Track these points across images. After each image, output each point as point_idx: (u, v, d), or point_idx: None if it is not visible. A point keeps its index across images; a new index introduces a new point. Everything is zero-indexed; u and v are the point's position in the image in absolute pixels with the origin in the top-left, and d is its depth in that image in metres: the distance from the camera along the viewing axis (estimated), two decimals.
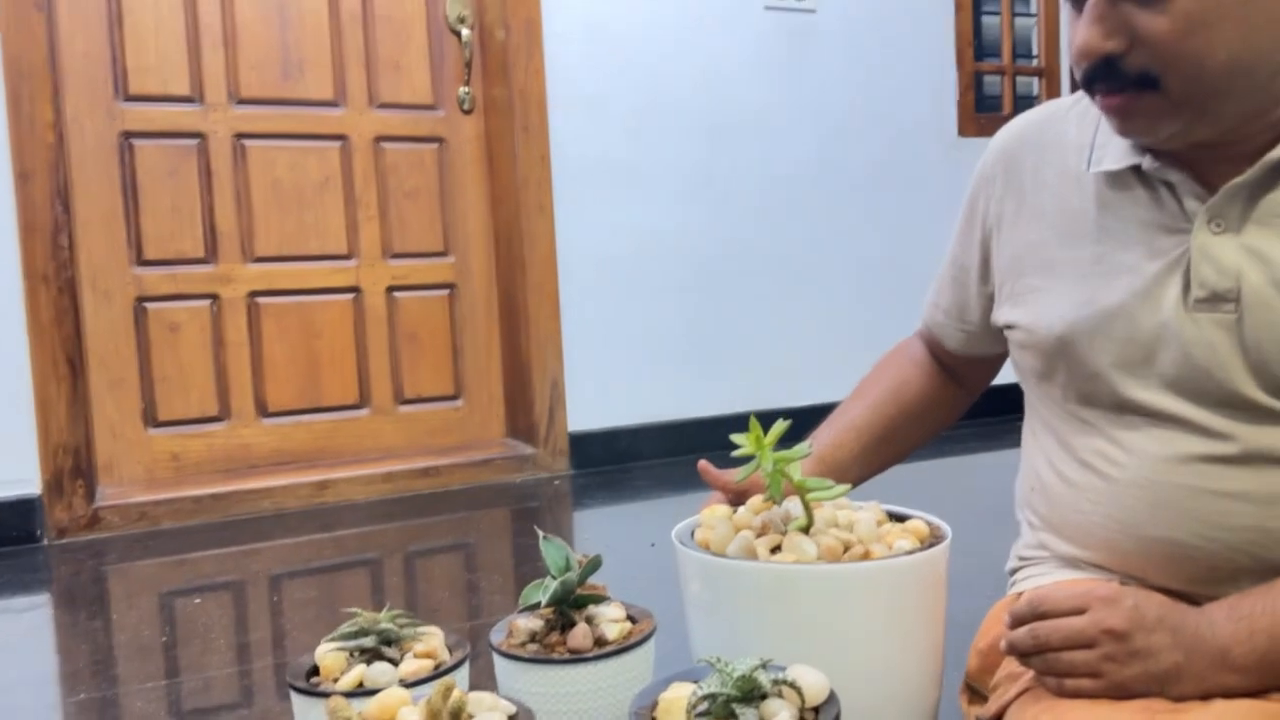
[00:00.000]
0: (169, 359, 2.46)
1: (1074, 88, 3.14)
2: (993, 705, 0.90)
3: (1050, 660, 0.79)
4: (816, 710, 0.80)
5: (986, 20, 3.30)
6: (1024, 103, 3.39)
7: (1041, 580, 0.97)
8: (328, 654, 0.95)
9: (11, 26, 2.13)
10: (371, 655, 0.95)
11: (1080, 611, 0.79)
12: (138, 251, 2.43)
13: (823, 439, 1.13)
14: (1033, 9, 3.39)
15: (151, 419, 2.45)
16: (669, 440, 2.79)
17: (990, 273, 1.03)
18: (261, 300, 2.55)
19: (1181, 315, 0.83)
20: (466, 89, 2.70)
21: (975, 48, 3.22)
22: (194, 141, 2.47)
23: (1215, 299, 0.82)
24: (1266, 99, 0.80)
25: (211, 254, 2.50)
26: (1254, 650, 0.75)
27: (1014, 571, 1.04)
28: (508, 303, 2.74)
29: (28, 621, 1.83)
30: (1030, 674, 0.84)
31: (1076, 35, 0.79)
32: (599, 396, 2.76)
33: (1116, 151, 0.89)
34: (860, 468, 1.13)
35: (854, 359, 3.02)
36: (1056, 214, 0.95)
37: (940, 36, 3.16)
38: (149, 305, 2.44)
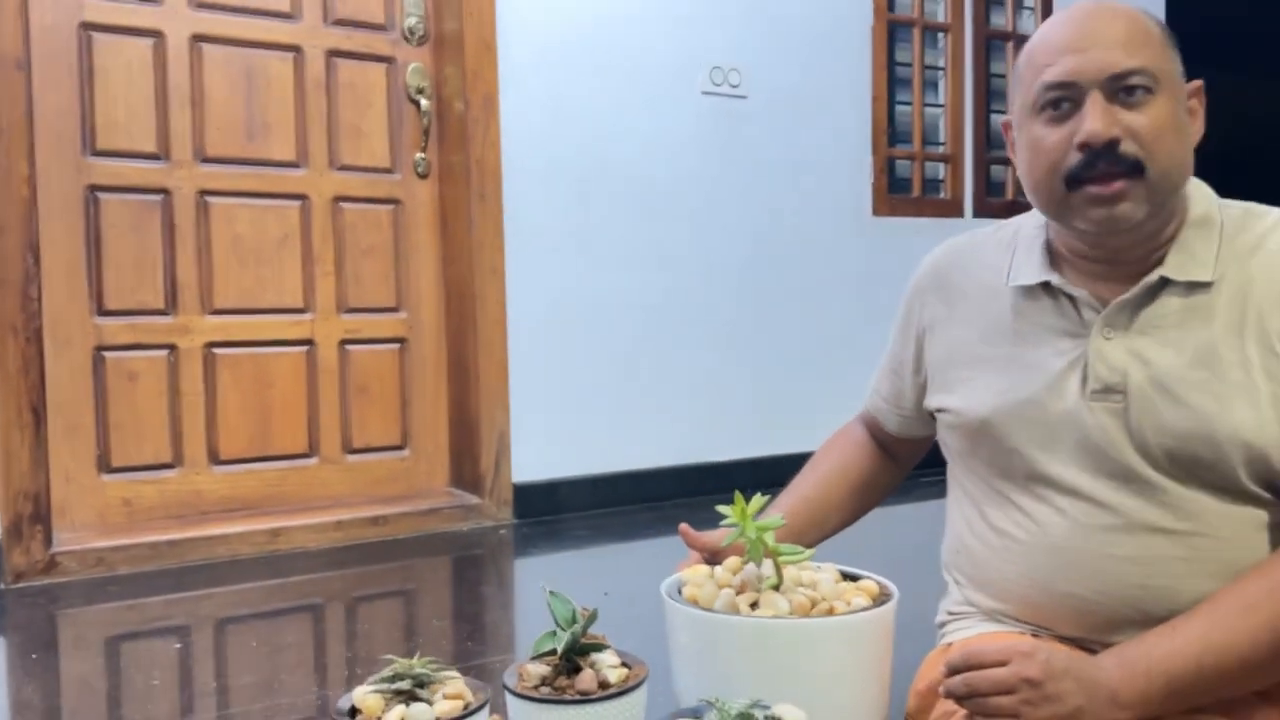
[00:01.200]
0: (125, 407, 2.50)
1: (976, 170, 3.44)
2: None
3: (979, 703, 0.96)
4: None
5: (900, 109, 3.56)
6: (931, 185, 3.66)
7: (969, 633, 1.16)
8: (367, 695, 1.08)
9: None
10: (408, 697, 1.08)
11: (1004, 663, 0.96)
12: (98, 302, 2.47)
13: (783, 507, 1.31)
14: (941, 100, 3.68)
15: (105, 465, 2.48)
16: (607, 492, 2.90)
17: (923, 366, 1.23)
18: (218, 351, 2.62)
19: (1081, 403, 1.03)
20: (423, 155, 2.83)
21: (889, 134, 3.47)
22: (159, 197, 2.54)
23: (1107, 391, 1.02)
24: (1165, 219, 1.02)
25: (171, 306, 2.56)
26: (1135, 689, 0.93)
27: (943, 625, 1.23)
28: (457, 358, 2.86)
29: None
30: (963, 713, 1.02)
31: (1086, 125, 0.97)
32: (542, 449, 2.87)
33: (1030, 270, 1.10)
34: (814, 533, 1.30)
35: (777, 416, 3.24)
36: (980, 319, 1.15)
37: (858, 123, 3.39)
38: (108, 354, 2.48)
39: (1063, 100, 1.00)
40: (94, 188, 2.46)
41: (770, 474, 2.94)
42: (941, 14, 3.64)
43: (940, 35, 3.64)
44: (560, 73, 2.87)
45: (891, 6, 3.47)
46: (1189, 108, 1.03)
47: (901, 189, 3.54)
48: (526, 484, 2.85)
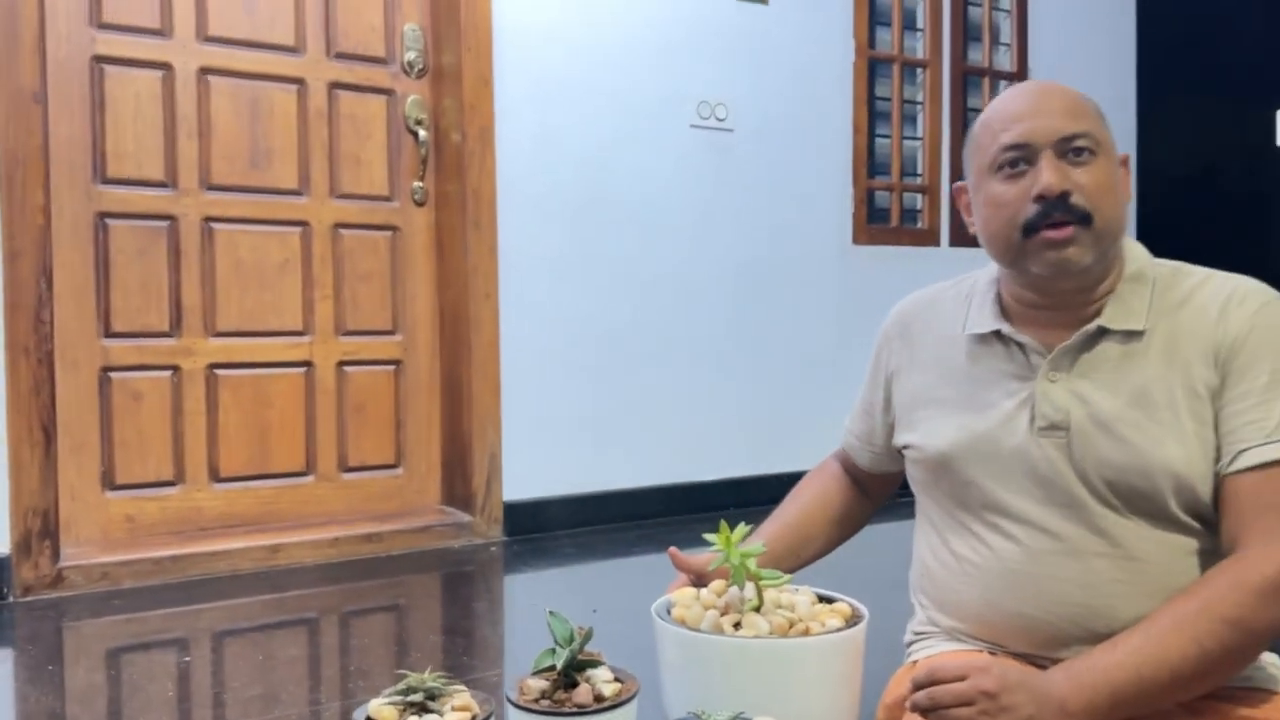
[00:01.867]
0: (130, 425, 2.59)
1: (952, 201, 3.57)
2: None
3: (941, 715, 1.05)
4: None
5: (879, 141, 3.68)
6: (909, 215, 3.79)
7: (932, 651, 1.27)
8: (382, 707, 1.18)
9: (11, 118, 2.27)
10: (419, 710, 1.17)
11: (963, 678, 1.07)
12: (106, 324, 2.56)
13: (766, 534, 1.41)
14: (919, 133, 3.80)
15: (110, 482, 2.56)
16: (595, 510, 2.99)
17: (891, 407, 1.34)
18: (220, 372, 2.70)
19: (1029, 439, 1.14)
20: (420, 183, 2.93)
21: (868, 166, 3.60)
22: (165, 223, 2.63)
23: (1052, 427, 1.13)
24: (1102, 272, 1.14)
25: (175, 328, 2.65)
26: (1082, 700, 1.02)
27: (910, 644, 1.33)
28: (450, 380, 2.96)
29: None
30: None
31: (1042, 178, 1.09)
32: (533, 469, 2.96)
33: (983, 320, 1.22)
34: (793, 560, 1.40)
35: (760, 438, 3.35)
36: (940, 364, 1.26)
37: (839, 155, 3.51)
38: (114, 375, 2.57)
39: (1019, 160, 1.12)
40: (104, 214, 2.55)
41: (753, 494, 3.05)
42: (920, 50, 3.77)
43: (919, 71, 3.77)
44: (554, 106, 2.98)
45: (872, 44, 3.60)
46: (1120, 174, 1.16)
47: (880, 219, 3.67)
48: (517, 502, 2.94)
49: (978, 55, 3.92)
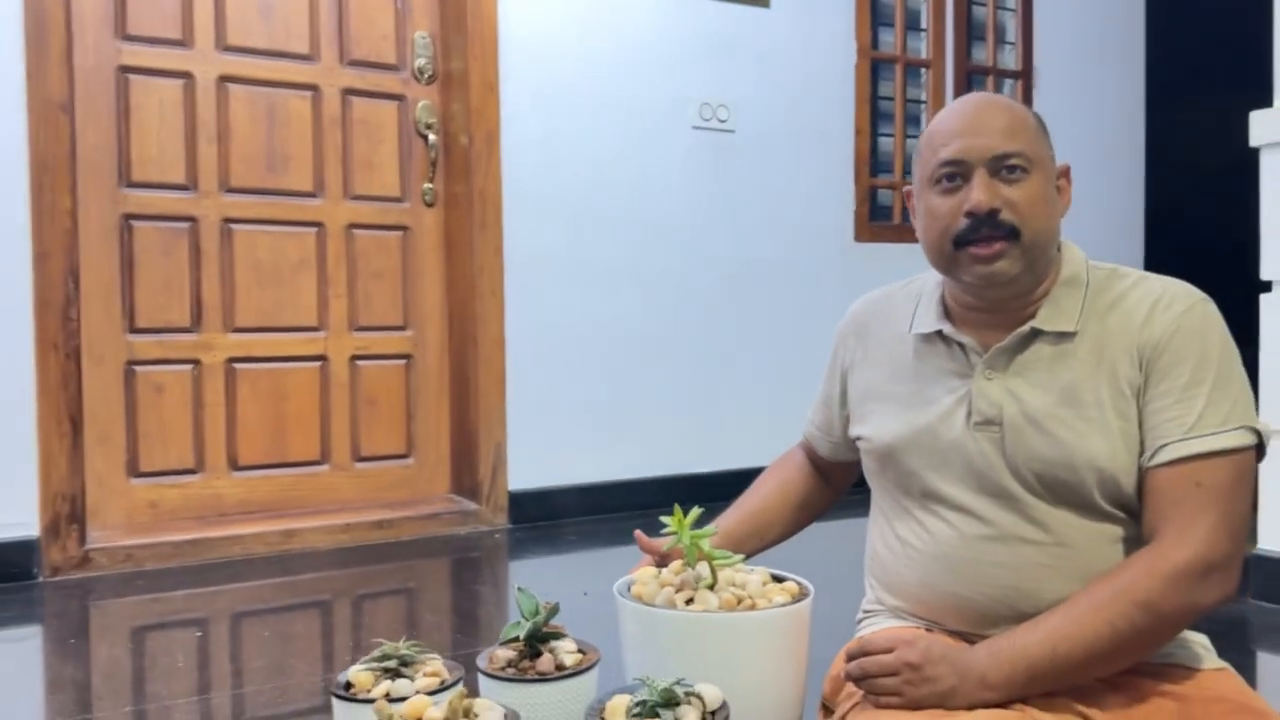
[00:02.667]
0: (153, 417, 2.72)
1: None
2: (837, 715, 1.27)
3: (870, 684, 1.14)
4: (714, 713, 1.17)
5: (882, 140, 3.74)
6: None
7: (876, 627, 1.35)
8: (359, 672, 1.29)
9: (39, 125, 2.41)
10: (393, 674, 1.28)
11: (890, 650, 1.15)
12: (130, 320, 2.70)
13: (729, 520, 1.50)
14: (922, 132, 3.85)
15: (134, 470, 2.70)
16: (596, 500, 3.09)
17: (847, 400, 1.42)
18: (238, 366, 2.84)
19: (966, 433, 1.22)
20: (430, 185, 3.05)
21: (871, 165, 3.66)
22: (186, 224, 2.76)
23: (987, 422, 1.21)
24: (1037, 278, 1.21)
25: (196, 324, 2.78)
26: (1002, 675, 1.10)
27: (859, 621, 1.42)
28: (458, 374, 3.07)
29: (23, 650, 2.08)
30: (860, 694, 1.21)
31: (973, 195, 1.16)
32: (536, 460, 3.06)
33: (928, 321, 1.30)
34: (756, 543, 1.49)
35: (759, 431, 3.42)
36: (889, 360, 1.34)
37: (842, 155, 3.58)
38: (138, 368, 2.71)
39: (955, 174, 1.20)
40: (129, 216, 2.69)
41: (751, 484, 3.12)
42: (924, 51, 3.82)
43: (922, 71, 3.83)
44: (558, 109, 3.08)
45: (875, 44, 3.66)
46: (1058, 186, 1.23)
47: (882, 216, 3.73)
48: (521, 492, 3.05)
49: (982, 55, 3.96)
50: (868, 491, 1.40)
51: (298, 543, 2.73)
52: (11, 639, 2.12)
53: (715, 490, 3.18)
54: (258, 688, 1.79)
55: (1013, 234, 1.16)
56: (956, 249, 1.19)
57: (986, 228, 1.17)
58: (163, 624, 2.23)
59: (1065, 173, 1.23)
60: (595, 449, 3.16)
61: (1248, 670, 1.79)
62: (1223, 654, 1.23)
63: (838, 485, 1.56)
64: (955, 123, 1.20)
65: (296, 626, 2.22)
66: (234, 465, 2.83)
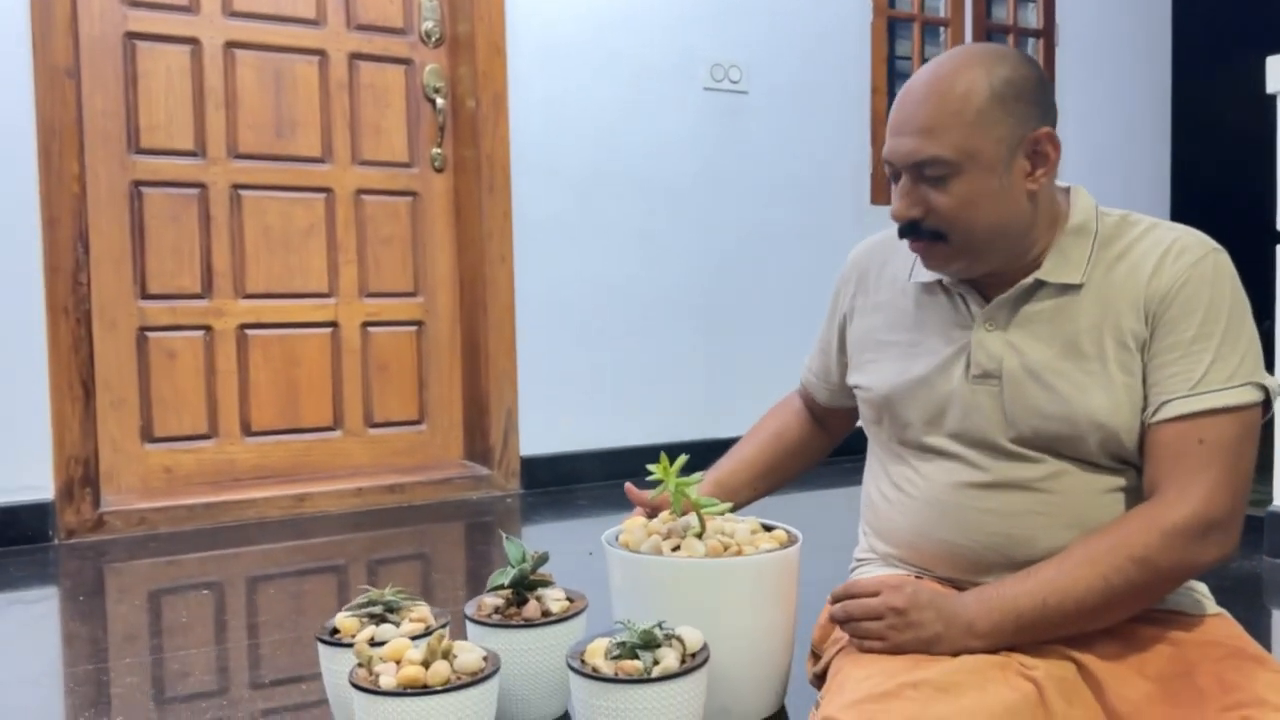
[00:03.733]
0: (166, 383, 2.75)
1: None
2: (823, 660, 1.26)
3: (854, 627, 1.13)
4: (694, 655, 1.17)
5: None
6: None
7: (868, 574, 1.34)
8: (345, 618, 1.29)
9: (46, 91, 2.42)
10: (379, 620, 1.29)
11: (875, 594, 1.14)
12: (142, 287, 2.72)
13: (722, 468, 1.49)
14: None
15: (148, 435, 2.73)
16: (608, 465, 3.10)
17: (846, 346, 1.40)
18: (250, 332, 2.85)
19: (964, 385, 1.20)
20: (439, 150, 3.04)
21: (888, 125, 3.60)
22: (195, 191, 2.77)
23: (985, 375, 1.18)
24: (1021, 248, 1.18)
25: (207, 290, 2.80)
26: (990, 623, 1.08)
27: (853, 569, 1.41)
28: (469, 340, 3.07)
29: (40, 610, 2.11)
30: (846, 637, 1.19)
31: (892, 204, 1.15)
32: (548, 425, 3.07)
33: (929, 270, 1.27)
34: (749, 491, 1.49)
35: (772, 395, 3.36)
36: (888, 309, 1.32)
37: (858, 115, 3.53)
38: (150, 335, 2.73)
39: (894, 172, 1.16)
40: (138, 183, 2.70)
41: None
42: (942, 9, 3.75)
43: (941, 29, 3.76)
44: (566, 71, 3.05)
45: (892, 3, 3.60)
46: (1030, 156, 1.12)
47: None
48: (533, 457, 3.06)
49: (1002, 13, 3.88)
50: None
51: (310, 507, 2.76)
52: (28, 600, 2.16)
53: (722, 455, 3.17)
54: (269, 642, 1.81)
55: (937, 237, 1.14)
56: (901, 236, 1.19)
57: (909, 234, 1.16)
58: (176, 586, 2.26)
59: (1043, 139, 1.13)
60: (607, 414, 3.16)
61: (1260, 627, 1.75)
62: (1235, 610, 1.21)
63: (834, 432, 1.55)
64: (894, 115, 1.16)
65: (308, 587, 2.24)
66: (247, 431, 2.86)
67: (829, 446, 1.56)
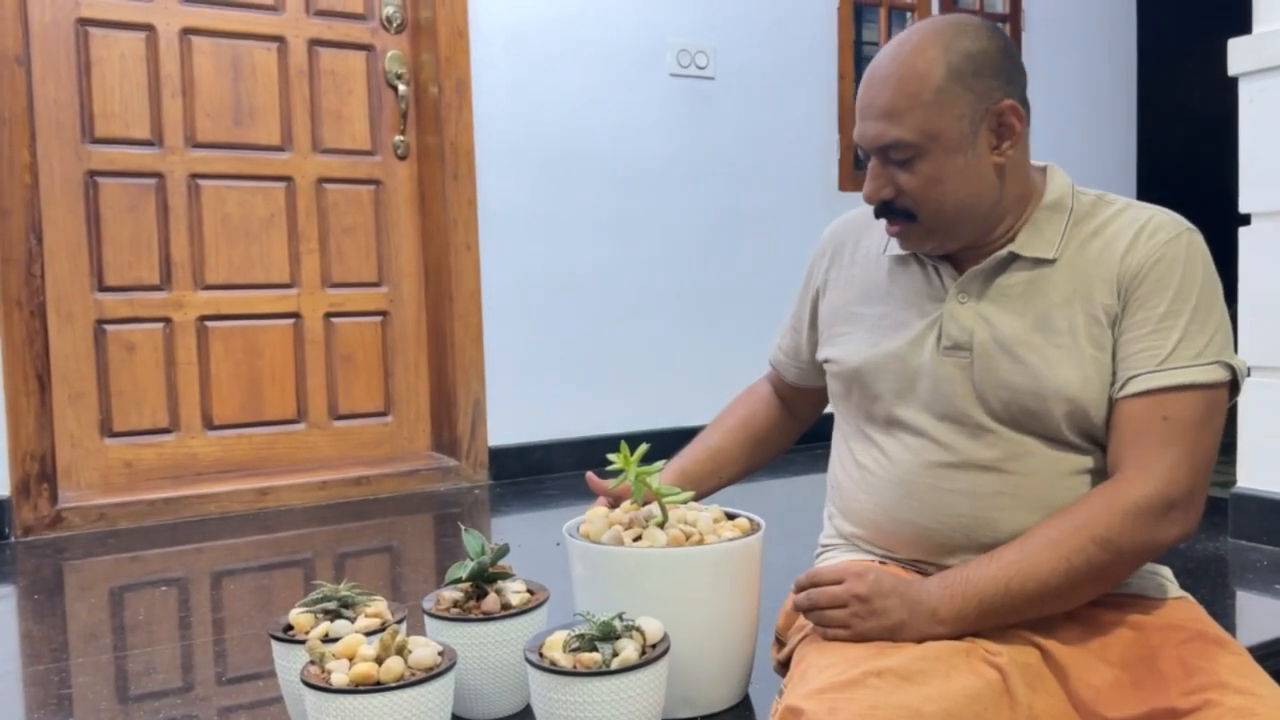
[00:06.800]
0: (125, 376, 2.70)
1: None
2: (787, 648, 1.25)
3: (818, 615, 1.12)
4: (654, 645, 1.15)
5: None
6: None
7: (830, 560, 1.33)
8: (299, 614, 1.27)
9: None
10: (333, 615, 1.26)
11: (839, 581, 1.13)
12: (99, 279, 2.66)
13: (687, 457, 1.48)
14: None
15: (108, 430, 2.68)
16: (578, 454, 3.07)
17: (817, 322, 1.39)
18: (210, 324, 2.80)
19: (936, 358, 1.19)
20: (401, 137, 3.00)
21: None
22: (153, 180, 2.72)
23: (957, 347, 1.18)
24: (990, 221, 1.17)
25: (166, 282, 2.74)
26: (953, 609, 1.08)
27: (817, 556, 1.40)
28: (435, 329, 3.04)
29: None
30: (809, 625, 1.18)
31: (864, 188, 1.16)
32: (516, 415, 3.04)
33: None
34: (715, 480, 1.47)
35: (742, 382, 3.35)
36: (861, 282, 1.31)
37: (825, 101, 3.52)
38: (108, 327, 2.68)
39: (866, 154, 1.17)
40: (93, 173, 2.64)
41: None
42: None
43: (908, 15, 3.75)
44: (530, 57, 3.02)
45: None
46: (998, 130, 1.12)
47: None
48: (501, 447, 3.03)
49: None
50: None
51: (274, 500, 2.72)
52: None
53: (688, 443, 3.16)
54: (230, 638, 1.78)
55: (909, 216, 1.15)
56: (878, 215, 1.20)
57: (884, 214, 1.18)
58: (136, 582, 2.22)
59: (1006, 111, 1.12)
60: (576, 403, 3.13)
61: (1225, 609, 1.76)
62: (1199, 592, 1.21)
63: (802, 416, 1.54)
64: (860, 96, 1.17)
65: (273, 582, 2.20)
66: (209, 424, 2.81)
67: (797, 433, 1.56)
